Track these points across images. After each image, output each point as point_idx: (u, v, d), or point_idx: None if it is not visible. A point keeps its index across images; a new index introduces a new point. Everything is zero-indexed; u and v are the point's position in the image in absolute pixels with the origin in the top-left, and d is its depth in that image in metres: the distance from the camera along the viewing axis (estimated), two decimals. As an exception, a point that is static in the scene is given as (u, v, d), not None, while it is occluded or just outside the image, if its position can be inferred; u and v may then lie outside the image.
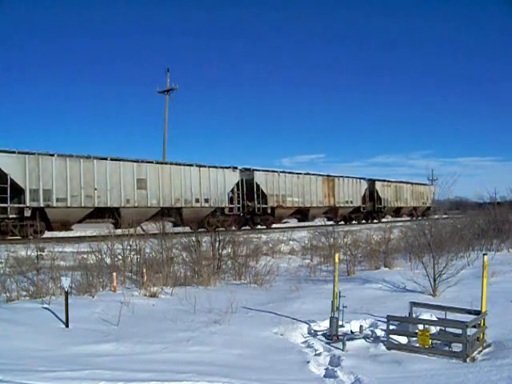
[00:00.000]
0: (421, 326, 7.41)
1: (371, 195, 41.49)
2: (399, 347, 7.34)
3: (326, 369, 6.47)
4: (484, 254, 7.79)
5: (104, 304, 9.02)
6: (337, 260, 8.68)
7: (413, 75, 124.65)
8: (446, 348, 7.26)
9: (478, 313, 7.63)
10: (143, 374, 5.49)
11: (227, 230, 24.19)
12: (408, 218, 45.09)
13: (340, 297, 8.03)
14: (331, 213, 37.15)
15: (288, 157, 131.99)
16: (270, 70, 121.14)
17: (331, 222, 33.96)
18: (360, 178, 40.44)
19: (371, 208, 41.39)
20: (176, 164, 26.81)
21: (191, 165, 27.40)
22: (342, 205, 37.76)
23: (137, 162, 24.36)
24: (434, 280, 11.16)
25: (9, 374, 4.97)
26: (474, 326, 7.37)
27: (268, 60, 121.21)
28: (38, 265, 11.54)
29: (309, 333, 8.31)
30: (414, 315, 8.05)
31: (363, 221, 40.41)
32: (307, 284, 12.58)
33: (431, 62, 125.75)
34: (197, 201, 27.35)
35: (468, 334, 6.95)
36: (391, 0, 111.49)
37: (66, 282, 8.03)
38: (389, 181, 44.20)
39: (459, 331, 7.17)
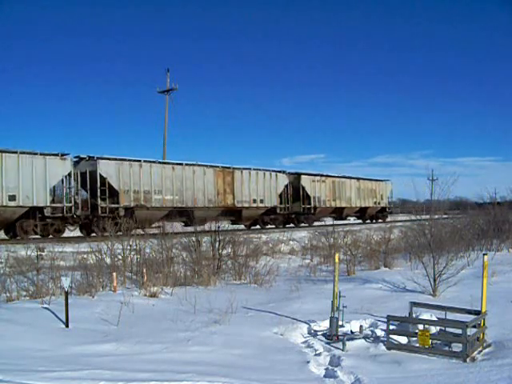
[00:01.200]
0: (421, 326, 7.41)
1: (296, 193, 33.65)
2: (399, 347, 7.34)
3: (326, 369, 6.47)
4: (484, 254, 7.79)
5: (104, 304, 9.01)
6: (337, 260, 8.68)
7: (413, 75, 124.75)
8: (446, 348, 7.26)
9: (478, 313, 7.63)
10: (143, 374, 5.49)
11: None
12: (359, 221, 40.70)
13: (340, 297, 8.02)
14: (231, 215, 28.78)
15: (288, 157, 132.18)
16: (270, 69, 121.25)
17: (234, 226, 25.36)
18: (276, 171, 32.57)
19: (298, 209, 33.71)
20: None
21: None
22: (246, 205, 29.55)
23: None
24: (434, 280, 11.16)
25: (9, 374, 4.97)
26: (474, 326, 7.37)
27: (268, 60, 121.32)
28: (38, 265, 11.53)
29: (309, 333, 8.31)
30: (414, 315, 8.04)
31: (281, 225, 32.16)
32: (307, 284, 12.58)
33: (431, 62, 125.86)
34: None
35: (468, 334, 6.95)
36: (391, 0, 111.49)
37: (66, 282, 8.03)
38: (322, 175, 36.38)
39: (459, 331, 7.17)
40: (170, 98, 40.63)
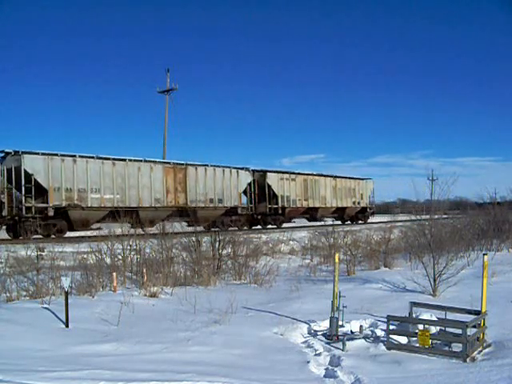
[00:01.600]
0: (421, 326, 7.41)
1: (262, 192, 30.99)
2: (399, 347, 7.34)
3: (326, 369, 6.47)
4: (484, 254, 7.79)
5: (104, 304, 9.02)
6: (337, 260, 8.68)
7: (413, 75, 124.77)
8: (446, 348, 7.26)
9: (478, 313, 7.63)
10: (143, 374, 5.49)
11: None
12: (338, 222, 36.14)
13: (340, 297, 8.02)
14: (186, 215, 26.00)
15: (288, 157, 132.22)
16: (270, 69, 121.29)
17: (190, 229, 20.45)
18: (238, 168, 29.73)
19: (264, 209, 30.68)
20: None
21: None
22: (201, 205, 27.02)
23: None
24: (434, 280, 11.16)
25: (9, 374, 4.97)
26: (474, 326, 7.37)
27: (268, 60, 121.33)
28: (38, 265, 11.53)
29: (309, 333, 8.31)
30: (414, 315, 8.04)
31: (245, 227, 29.19)
32: (307, 284, 12.58)
33: (431, 62, 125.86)
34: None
35: (468, 333, 6.95)
36: (391, 0, 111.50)
37: (66, 282, 8.03)
38: (292, 172, 33.63)
39: (459, 331, 7.17)
40: (170, 98, 40.67)
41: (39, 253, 13.08)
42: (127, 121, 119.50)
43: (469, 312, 7.87)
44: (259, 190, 31.01)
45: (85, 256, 13.00)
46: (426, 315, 7.76)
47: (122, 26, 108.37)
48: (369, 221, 40.09)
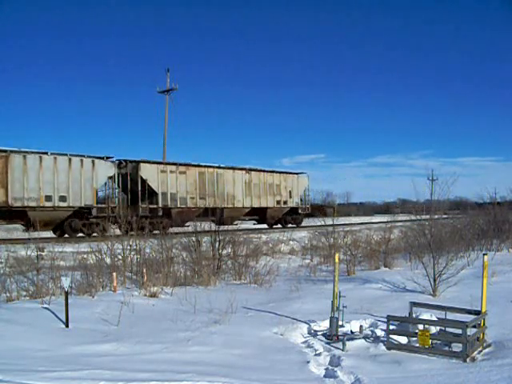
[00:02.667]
0: (421, 326, 7.41)
1: (134, 188, 24.80)
2: (399, 347, 7.34)
3: (326, 369, 6.47)
4: (484, 254, 7.79)
5: (104, 304, 9.01)
6: (337, 260, 8.68)
7: (413, 75, 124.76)
8: (446, 348, 7.26)
9: (478, 313, 7.63)
10: (143, 374, 5.48)
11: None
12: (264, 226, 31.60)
13: (340, 297, 8.02)
14: (17, 217, 21.36)
15: (288, 157, 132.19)
16: (270, 69, 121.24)
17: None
18: (94, 157, 23.50)
19: (138, 210, 23.40)
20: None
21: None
22: (33, 204, 21.20)
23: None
24: (434, 280, 11.16)
25: (9, 374, 4.97)
26: (474, 326, 7.37)
27: (268, 60, 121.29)
28: (38, 265, 11.53)
29: (309, 333, 8.31)
30: (414, 315, 8.04)
31: (102, 233, 21.94)
32: (307, 284, 12.58)
33: (431, 62, 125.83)
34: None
35: (468, 333, 6.95)
36: (392, 0, 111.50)
37: (66, 282, 8.03)
38: (181, 164, 26.78)
39: (459, 331, 7.17)
40: (170, 98, 40.63)
41: (39, 253, 13.07)
42: (127, 121, 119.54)
43: (469, 312, 7.87)
44: (133, 185, 24.74)
45: (85, 256, 13.01)
46: (426, 315, 7.76)
47: (122, 25, 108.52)
48: (303, 224, 33.81)
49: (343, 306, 7.97)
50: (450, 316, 7.98)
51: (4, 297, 9.26)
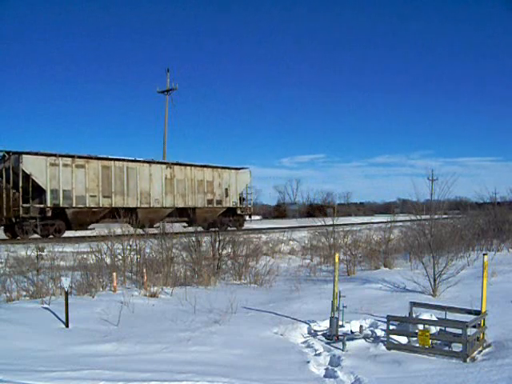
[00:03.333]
0: (421, 326, 7.40)
1: (23, 184, 20.58)
2: (399, 347, 7.34)
3: (326, 369, 6.47)
4: (484, 254, 7.79)
5: (104, 304, 9.02)
6: (337, 260, 8.68)
7: (413, 75, 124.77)
8: (446, 348, 7.26)
9: (478, 313, 7.63)
10: (143, 374, 5.49)
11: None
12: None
13: (340, 297, 8.02)
14: None
15: (288, 157, 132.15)
16: (270, 69, 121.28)
17: None
18: None
19: (20, 211, 20.34)
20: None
21: None
22: None
23: None
24: (434, 280, 11.16)
25: (9, 374, 4.97)
26: (474, 326, 7.37)
27: (268, 60, 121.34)
28: (38, 265, 11.53)
29: (309, 333, 8.31)
30: (414, 315, 8.04)
31: None
32: (307, 284, 12.58)
33: (431, 62, 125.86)
34: None
35: (468, 333, 6.95)
36: (392, 0, 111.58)
37: (66, 282, 8.03)
38: (80, 156, 22.74)
39: (459, 331, 7.17)
40: (170, 97, 40.60)
41: (39, 253, 13.08)
42: (127, 121, 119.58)
43: (469, 312, 7.87)
44: (14, 180, 20.80)
45: (85, 256, 13.01)
46: (426, 315, 7.75)
47: (122, 25, 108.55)
48: (246, 227, 29.84)
49: (343, 306, 7.97)
50: (450, 316, 7.99)
51: (4, 297, 9.27)
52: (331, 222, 20.26)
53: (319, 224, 21.57)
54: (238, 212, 30.39)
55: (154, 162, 26.02)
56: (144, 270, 11.25)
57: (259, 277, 12.85)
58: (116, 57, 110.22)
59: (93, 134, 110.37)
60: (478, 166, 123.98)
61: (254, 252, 15.41)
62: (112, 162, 24.09)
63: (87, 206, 22.87)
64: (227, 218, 29.46)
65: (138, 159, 25.23)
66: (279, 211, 63.80)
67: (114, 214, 21.25)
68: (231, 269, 13.90)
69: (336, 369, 6.33)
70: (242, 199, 30.93)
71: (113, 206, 23.45)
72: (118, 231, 13.63)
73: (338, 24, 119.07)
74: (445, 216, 18.17)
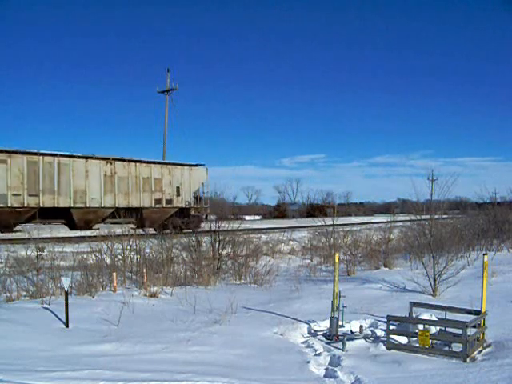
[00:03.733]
0: (421, 326, 7.40)
1: None
2: (399, 347, 7.34)
3: (326, 369, 6.47)
4: (484, 254, 7.79)
5: (104, 304, 9.01)
6: (337, 260, 8.68)
7: (413, 75, 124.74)
8: (446, 348, 7.26)
9: (478, 313, 7.63)
10: (143, 374, 5.48)
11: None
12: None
13: (340, 297, 8.02)
14: None
15: (288, 157, 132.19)
16: (270, 69, 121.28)
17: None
18: None
19: None
20: None
21: None
22: None
23: None
24: (434, 280, 11.16)
25: (9, 374, 4.97)
26: (474, 326, 7.37)
27: (268, 60, 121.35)
28: (38, 265, 11.53)
29: (309, 333, 8.31)
30: (414, 315, 8.04)
31: None
32: (307, 284, 12.58)
33: (431, 62, 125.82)
34: None
35: (468, 333, 6.95)
36: (392, 0, 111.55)
37: (66, 282, 8.03)
38: (2, 150, 20.82)
39: (459, 331, 7.17)
40: (170, 97, 40.59)
41: (39, 253, 13.08)
42: (127, 121, 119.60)
43: (469, 312, 7.87)
44: None
45: (85, 256, 13.00)
46: (426, 315, 7.75)
47: (122, 25, 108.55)
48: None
49: (343, 306, 7.97)
50: (450, 316, 7.98)
51: (4, 297, 9.26)
52: (331, 222, 20.25)
53: (319, 224, 21.58)
54: (192, 213, 28.00)
55: (91, 158, 23.74)
56: (144, 270, 11.25)
57: (259, 277, 12.85)
58: (116, 57, 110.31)
59: (93, 133, 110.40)
60: (477, 166, 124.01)
61: (254, 252, 15.42)
62: (40, 156, 21.69)
63: (9, 205, 20.73)
64: (180, 220, 26.60)
65: (72, 154, 23.07)
66: (279, 211, 63.86)
67: (47, 213, 20.61)
68: (231, 269, 13.90)
69: (336, 369, 6.33)
70: (197, 198, 28.69)
71: (41, 205, 21.58)
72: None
73: (338, 24, 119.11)
74: (445, 216, 18.19)
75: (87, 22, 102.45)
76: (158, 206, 26.13)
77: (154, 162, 26.60)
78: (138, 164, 25.51)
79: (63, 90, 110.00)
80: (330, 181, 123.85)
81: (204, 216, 27.97)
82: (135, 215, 24.24)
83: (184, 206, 27.55)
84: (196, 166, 28.75)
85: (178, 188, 27.10)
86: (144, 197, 25.43)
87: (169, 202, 26.70)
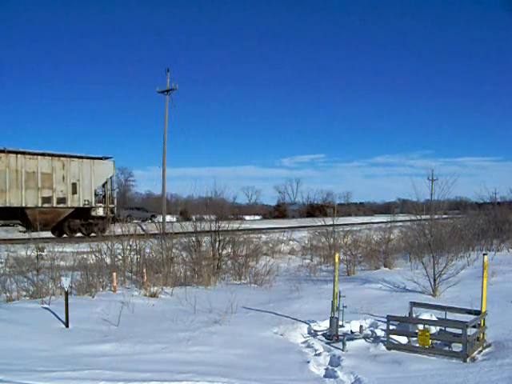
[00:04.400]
0: (421, 326, 7.40)
1: None
2: (399, 347, 7.34)
3: (326, 369, 6.47)
4: (484, 254, 7.79)
5: (104, 304, 9.02)
6: (337, 260, 8.68)
7: (413, 75, 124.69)
8: (446, 348, 7.26)
9: (478, 313, 7.63)
10: (143, 374, 5.48)
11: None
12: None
13: (340, 297, 8.02)
14: None
15: (288, 157, 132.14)
16: (271, 69, 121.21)
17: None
18: None
19: None
20: None
21: None
22: None
23: None
24: (434, 280, 11.16)
25: (9, 374, 4.97)
26: (474, 326, 7.37)
27: (268, 60, 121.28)
28: (38, 265, 11.53)
29: (309, 333, 8.31)
30: (414, 315, 8.04)
31: None
32: (307, 284, 12.58)
33: (431, 62, 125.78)
34: None
35: (468, 333, 6.95)
36: (392, 0, 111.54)
37: (65, 282, 8.03)
38: None
39: (459, 331, 7.17)
40: (170, 97, 40.58)
41: (39, 253, 13.08)
42: (127, 121, 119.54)
43: (469, 312, 7.87)
44: None
45: (85, 256, 13.01)
46: (426, 315, 7.75)
47: (122, 25, 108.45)
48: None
49: (343, 306, 7.97)
50: (450, 316, 7.98)
51: (4, 297, 9.27)
52: (331, 222, 20.26)
53: (319, 224, 21.59)
54: (93, 214, 24.12)
55: None
56: (144, 270, 11.25)
57: (259, 277, 12.85)
58: (116, 57, 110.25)
59: (93, 133, 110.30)
60: (477, 166, 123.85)
61: (254, 252, 15.43)
62: None
63: None
64: (78, 221, 23.44)
65: None
66: (279, 211, 63.91)
67: None
68: (231, 269, 13.90)
69: (336, 369, 6.33)
70: (103, 197, 25.01)
71: None
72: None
73: (338, 24, 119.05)
74: (445, 216, 18.18)
75: (87, 21, 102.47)
76: (46, 205, 22.08)
77: (43, 154, 22.38)
78: (19, 156, 21.31)
79: (63, 90, 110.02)
80: (330, 181, 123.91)
81: (111, 217, 23.43)
82: (19, 216, 21.30)
83: (82, 205, 23.61)
84: (101, 158, 24.85)
85: (74, 184, 23.14)
86: (28, 194, 21.50)
87: (61, 200, 22.72)
